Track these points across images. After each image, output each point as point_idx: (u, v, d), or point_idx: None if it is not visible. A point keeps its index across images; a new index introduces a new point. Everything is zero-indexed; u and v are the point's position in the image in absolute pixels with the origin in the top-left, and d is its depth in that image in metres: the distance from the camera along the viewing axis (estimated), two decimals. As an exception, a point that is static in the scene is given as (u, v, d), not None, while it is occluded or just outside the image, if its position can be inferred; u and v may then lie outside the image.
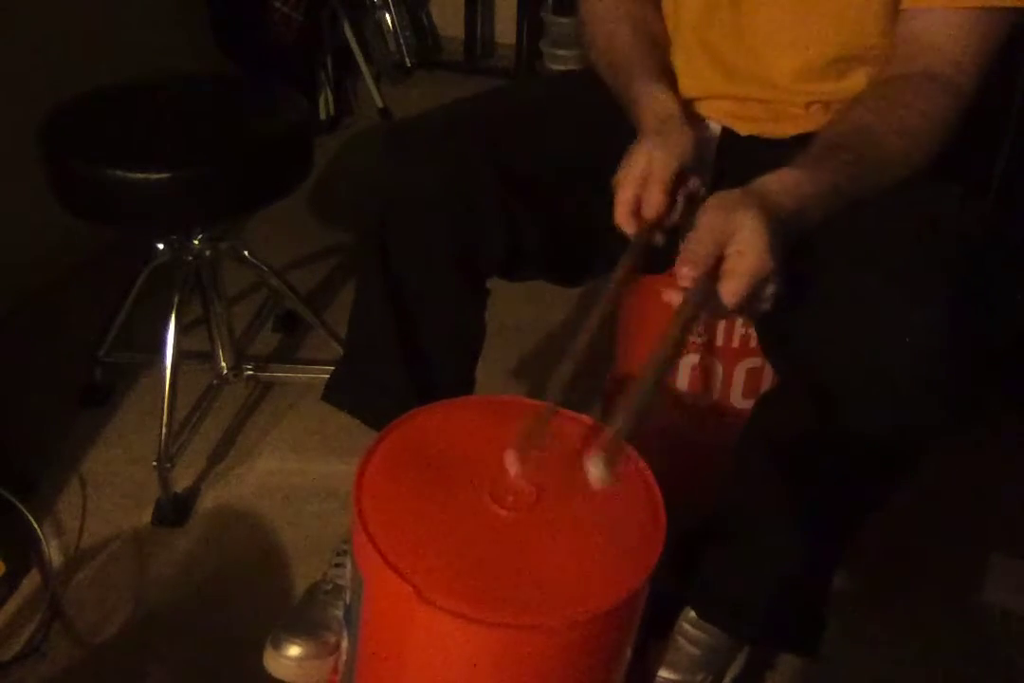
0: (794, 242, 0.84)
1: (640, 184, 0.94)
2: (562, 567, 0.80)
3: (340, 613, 1.15)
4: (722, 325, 1.27)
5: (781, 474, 0.98)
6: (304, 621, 1.17)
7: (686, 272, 0.79)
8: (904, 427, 0.88)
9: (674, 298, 0.84)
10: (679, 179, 0.96)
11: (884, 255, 0.89)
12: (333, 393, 1.23)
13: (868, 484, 0.96)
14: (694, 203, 0.96)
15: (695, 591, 1.13)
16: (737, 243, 0.79)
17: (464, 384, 1.20)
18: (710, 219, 0.81)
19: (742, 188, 0.84)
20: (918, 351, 0.83)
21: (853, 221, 0.92)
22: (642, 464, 0.92)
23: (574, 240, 1.09)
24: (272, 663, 1.15)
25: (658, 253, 0.98)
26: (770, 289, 0.81)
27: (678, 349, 0.78)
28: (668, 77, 1.06)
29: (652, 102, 1.01)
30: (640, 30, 1.09)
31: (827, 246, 0.92)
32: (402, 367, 1.12)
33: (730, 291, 0.78)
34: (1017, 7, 0.92)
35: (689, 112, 1.10)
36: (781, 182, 0.85)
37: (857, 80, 1.02)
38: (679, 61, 1.10)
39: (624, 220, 0.94)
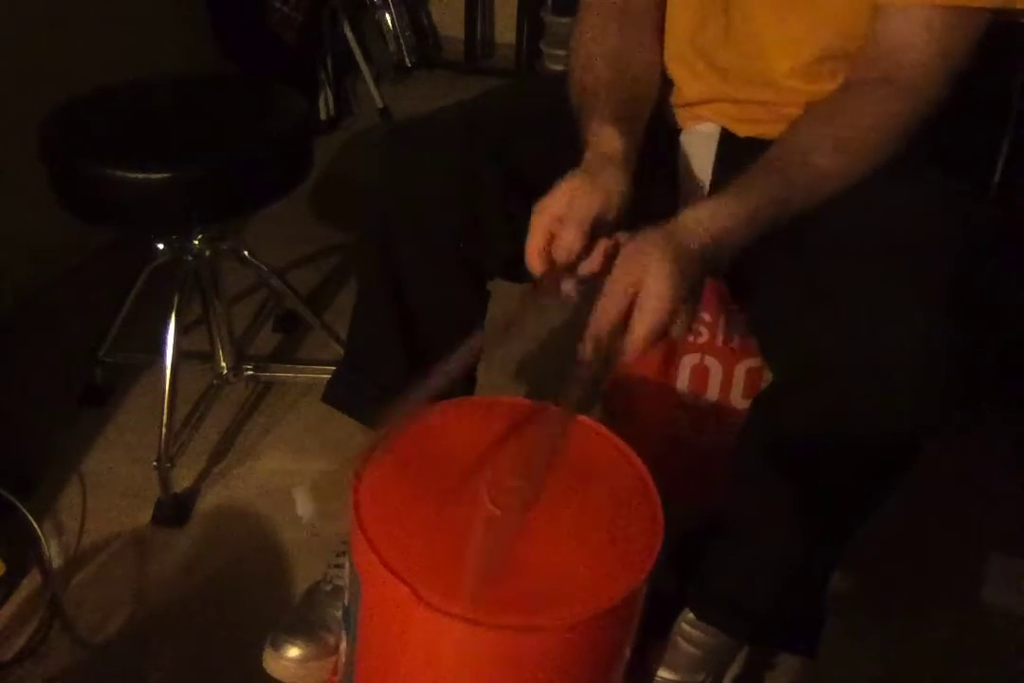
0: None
1: (556, 221, 0.89)
2: (559, 568, 0.80)
3: (339, 614, 1.15)
4: (722, 325, 1.27)
5: (778, 474, 0.98)
6: (303, 622, 1.17)
7: (591, 330, 0.82)
8: (902, 426, 0.88)
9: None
10: (599, 227, 0.90)
11: (885, 254, 0.89)
12: (333, 394, 1.23)
13: (865, 483, 0.96)
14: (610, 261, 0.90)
15: (693, 591, 1.13)
16: (645, 290, 0.81)
17: (465, 386, 1.19)
18: (621, 266, 0.83)
19: (660, 226, 0.85)
20: (918, 350, 0.83)
21: (854, 219, 0.93)
22: (640, 465, 0.92)
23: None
24: (272, 664, 1.15)
25: None
26: (677, 328, 0.83)
27: (590, 396, 0.79)
28: (627, 122, 0.99)
29: (598, 141, 0.96)
30: (616, 66, 1.05)
31: (828, 244, 0.92)
32: (403, 369, 1.12)
33: (634, 339, 0.81)
34: (985, 8, 0.92)
35: (684, 113, 1.10)
36: (696, 216, 0.86)
37: None
38: (674, 69, 1.10)
39: (533, 258, 0.89)
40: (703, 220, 0.86)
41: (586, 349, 0.82)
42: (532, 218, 0.90)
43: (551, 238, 0.89)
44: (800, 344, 0.91)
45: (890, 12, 0.94)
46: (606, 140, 0.96)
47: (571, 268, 0.90)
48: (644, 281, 0.81)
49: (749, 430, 1.04)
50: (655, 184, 1.09)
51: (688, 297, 0.83)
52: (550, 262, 0.89)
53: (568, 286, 0.92)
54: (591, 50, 1.07)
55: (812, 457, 0.95)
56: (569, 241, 0.88)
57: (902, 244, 0.89)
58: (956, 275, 0.86)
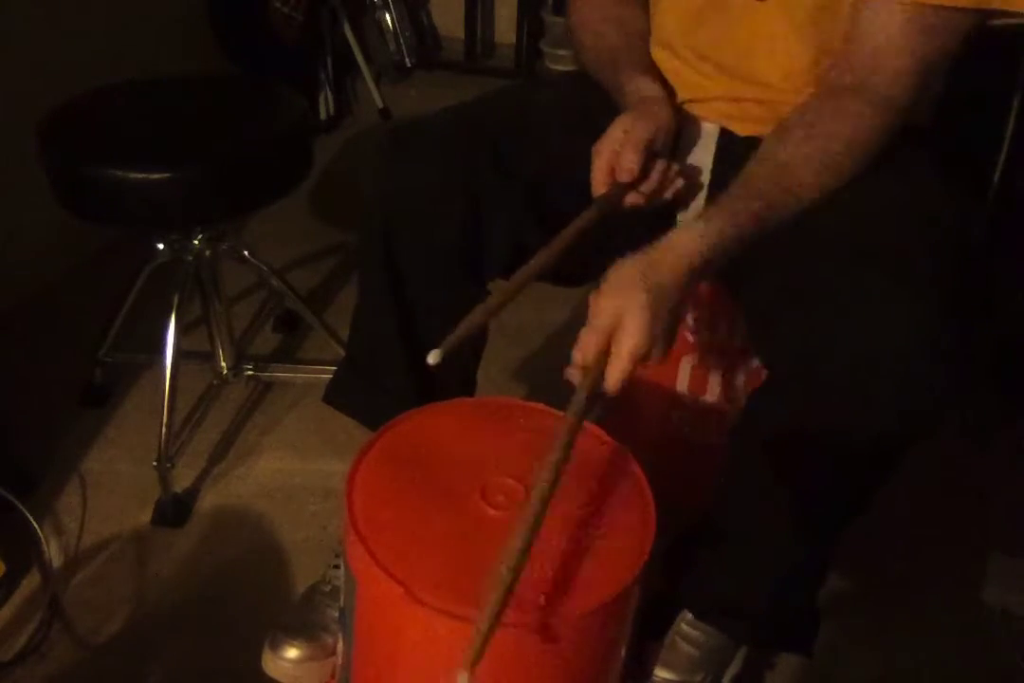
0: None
1: (615, 150, 0.99)
2: (552, 566, 0.80)
3: (337, 614, 1.15)
4: (722, 325, 1.27)
5: (770, 472, 0.98)
6: (302, 623, 1.17)
7: (577, 359, 0.84)
8: (890, 423, 0.88)
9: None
10: (652, 152, 1.01)
11: (881, 251, 0.89)
12: (335, 395, 1.23)
13: (857, 480, 0.96)
14: (667, 179, 1.04)
15: (690, 591, 1.13)
16: (622, 326, 0.83)
17: (465, 386, 1.19)
18: (602, 298, 0.84)
19: (641, 257, 0.86)
20: (910, 347, 0.83)
21: (850, 217, 0.93)
22: (634, 464, 0.92)
23: (576, 241, 1.09)
24: (270, 665, 1.15)
25: None
26: (656, 352, 0.85)
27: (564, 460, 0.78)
28: (653, 70, 1.11)
29: (636, 88, 1.06)
30: (625, 30, 1.13)
31: (824, 241, 0.92)
32: (404, 370, 1.12)
33: (612, 372, 0.83)
34: (962, 9, 0.91)
35: (683, 112, 1.10)
36: (682, 244, 0.87)
37: None
38: (669, 66, 1.11)
39: (600, 186, 1.00)
40: (690, 249, 0.87)
41: (575, 375, 0.85)
42: (593, 154, 1.01)
43: (611, 169, 1.00)
44: (789, 342, 0.91)
45: (868, 13, 0.94)
46: (644, 87, 1.06)
47: (631, 187, 1.02)
48: (622, 316, 0.82)
49: (742, 429, 1.04)
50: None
51: (666, 326, 0.85)
52: (613, 182, 1.01)
53: (632, 197, 1.03)
54: (596, 19, 1.16)
55: (802, 455, 0.95)
56: (630, 162, 0.99)
57: (898, 242, 0.89)
58: (951, 273, 0.86)
